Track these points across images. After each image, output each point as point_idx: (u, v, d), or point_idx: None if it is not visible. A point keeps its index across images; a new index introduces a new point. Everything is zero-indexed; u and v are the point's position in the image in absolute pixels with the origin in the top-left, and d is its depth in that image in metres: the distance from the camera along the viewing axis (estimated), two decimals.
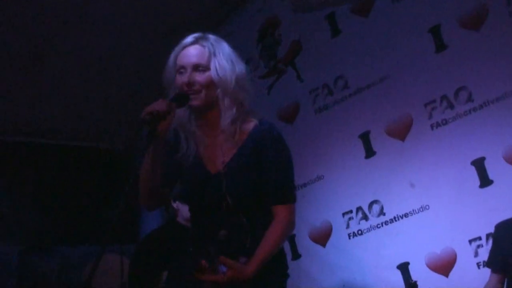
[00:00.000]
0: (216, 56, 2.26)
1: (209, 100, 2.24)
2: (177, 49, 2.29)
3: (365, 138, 4.17)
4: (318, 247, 4.30)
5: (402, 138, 4.00)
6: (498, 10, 3.68)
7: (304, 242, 4.34)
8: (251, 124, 2.27)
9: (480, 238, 3.59)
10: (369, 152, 4.15)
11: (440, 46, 3.89)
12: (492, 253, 3.26)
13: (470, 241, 3.63)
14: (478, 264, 3.59)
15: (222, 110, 2.25)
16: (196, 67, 2.24)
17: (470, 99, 3.72)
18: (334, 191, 4.27)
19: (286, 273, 2.31)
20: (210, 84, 2.23)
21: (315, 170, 4.34)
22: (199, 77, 2.23)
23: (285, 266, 2.31)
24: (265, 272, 2.16)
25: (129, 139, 5.36)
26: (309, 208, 4.24)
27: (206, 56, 2.26)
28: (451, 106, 3.81)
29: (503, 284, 3.18)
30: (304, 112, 4.51)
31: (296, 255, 4.39)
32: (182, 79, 2.24)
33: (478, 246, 3.59)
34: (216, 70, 2.23)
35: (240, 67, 2.29)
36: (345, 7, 4.34)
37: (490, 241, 3.40)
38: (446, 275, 3.71)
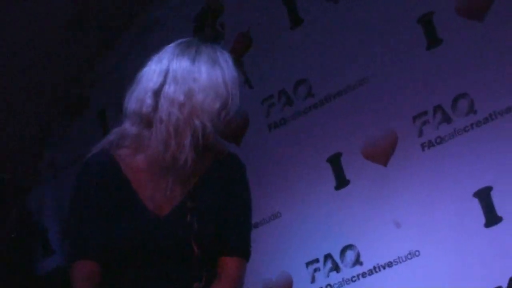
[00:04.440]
0: None
1: None
2: None
3: (335, 162, 4.05)
4: None
5: (384, 162, 3.92)
6: None
7: None
8: (211, 152, 2.23)
9: None
10: (341, 181, 4.03)
11: (433, 41, 3.80)
12: None
13: None
14: None
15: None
16: None
17: (472, 110, 3.65)
18: (295, 234, 4.11)
19: None
20: None
21: (270, 205, 4.17)
22: None
23: None
24: None
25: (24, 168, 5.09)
26: (262, 257, 4.00)
27: None
28: (447, 120, 3.72)
29: None
30: (254, 128, 4.37)
31: None
32: None
33: None
34: None
35: None
36: None
37: None
38: None
